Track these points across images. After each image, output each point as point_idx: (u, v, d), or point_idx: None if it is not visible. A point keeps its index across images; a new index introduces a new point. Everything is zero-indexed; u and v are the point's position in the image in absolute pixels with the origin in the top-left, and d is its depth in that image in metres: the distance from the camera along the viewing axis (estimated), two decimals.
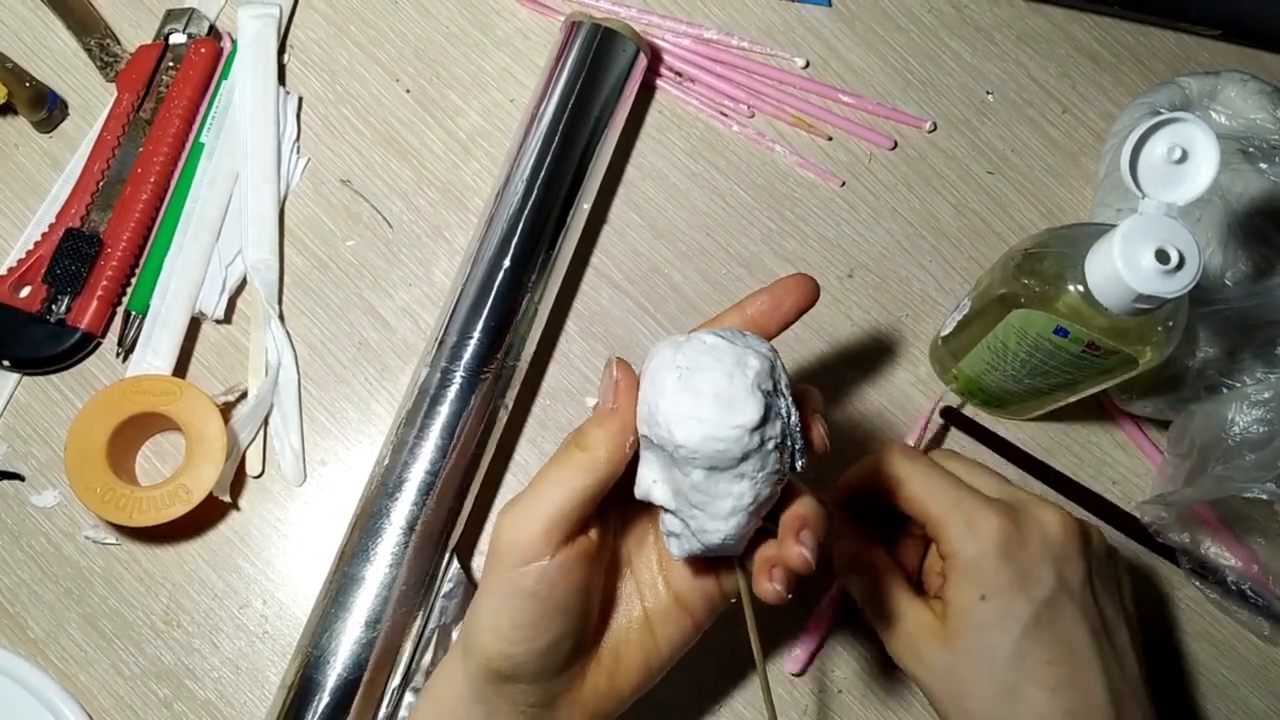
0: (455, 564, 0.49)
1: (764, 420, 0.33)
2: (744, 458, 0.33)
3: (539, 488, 0.37)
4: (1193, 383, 0.52)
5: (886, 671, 0.53)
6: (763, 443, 0.33)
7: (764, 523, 0.36)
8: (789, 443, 0.35)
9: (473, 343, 0.50)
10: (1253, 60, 0.63)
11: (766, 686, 0.38)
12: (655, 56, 0.59)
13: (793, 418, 0.35)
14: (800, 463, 0.35)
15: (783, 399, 0.34)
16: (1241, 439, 0.50)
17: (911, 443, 0.55)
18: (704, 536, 0.35)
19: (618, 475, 0.37)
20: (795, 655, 0.52)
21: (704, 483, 0.34)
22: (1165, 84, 0.58)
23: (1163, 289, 0.39)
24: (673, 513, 0.36)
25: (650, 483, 0.36)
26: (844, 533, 0.46)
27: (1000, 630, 0.40)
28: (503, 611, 0.37)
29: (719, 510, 0.34)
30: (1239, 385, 0.51)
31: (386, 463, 0.49)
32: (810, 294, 0.39)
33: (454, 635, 0.49)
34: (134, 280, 0.54)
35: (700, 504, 0.34)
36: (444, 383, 0.49)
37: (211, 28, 0.57)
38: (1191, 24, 0.62)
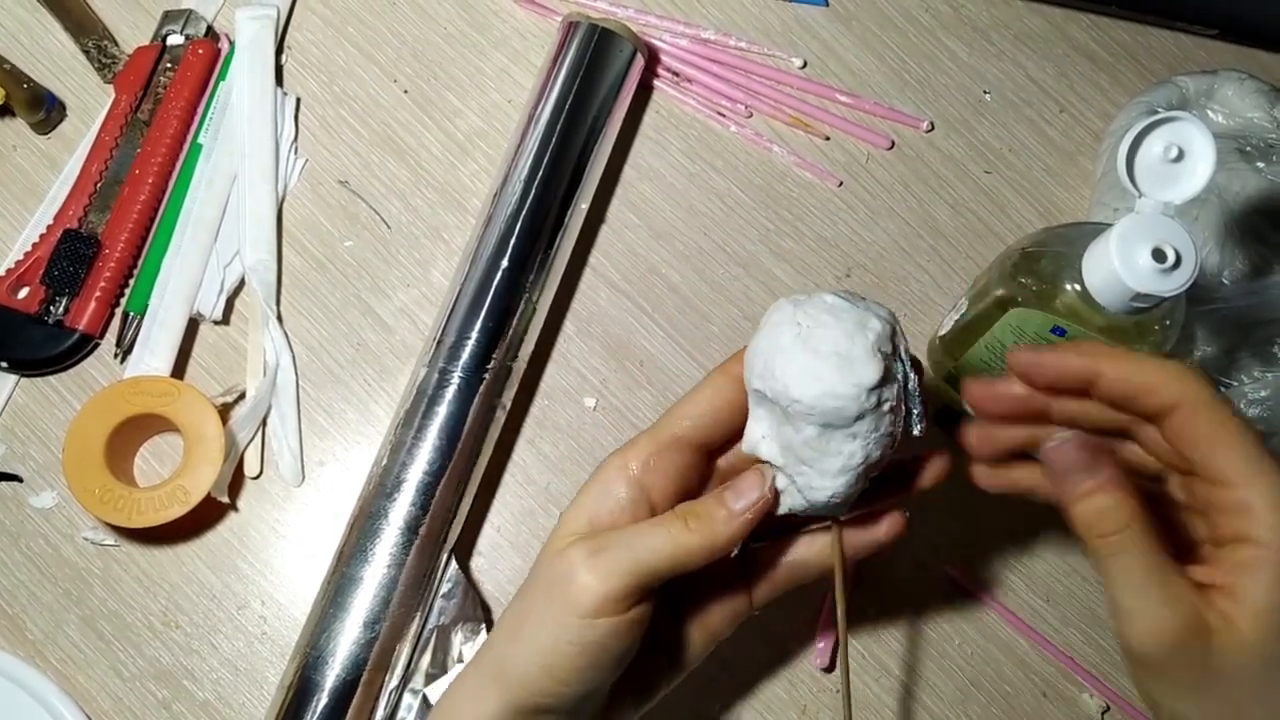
0: (454, 564, 0.49)
1: (882, 381, 0.33)
2: (859, 417, 0.33)
3: (634, 544, 0.36)
4: None
5: (884, 671, 0.53)
6: (879, 404, 0.33)
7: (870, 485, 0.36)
8: (904, 407, 0.35)
9: (471, 343, 0.50)
10: (1250, 59, 0.63)
11: (846, 668, 0.39)
12: (653, 57, 0.59)
13: (910, 383, 0.35)
14: (919, 428, 0.35)
15: (901, 364, 0.34)
16: None
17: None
18: (810, 493, 0.35)
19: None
20: (820, 649, 0.52)
21: (816, 440, 0.34)
22: (1163, 83, 0.58)
23: (1159, 288, 0.39)
24: (779, 469, 0.36)
25: (758, 438, 0.36)
26: (1109, 478, 0.33)
27: None
28: (564, 654, 0.36)
29: (828, 468, 0.34)
30: (1236, 384, 0.51)
31: (385, 463, 0.49)
32: None
33: (453, 636, 0.49)
34: (132, 281, 0.54)
35: (810, 460, 0.34)
36: (442, 383, 0.49)
37: (209, 29, 0.57)
38: (1189, 23, 0.62)
